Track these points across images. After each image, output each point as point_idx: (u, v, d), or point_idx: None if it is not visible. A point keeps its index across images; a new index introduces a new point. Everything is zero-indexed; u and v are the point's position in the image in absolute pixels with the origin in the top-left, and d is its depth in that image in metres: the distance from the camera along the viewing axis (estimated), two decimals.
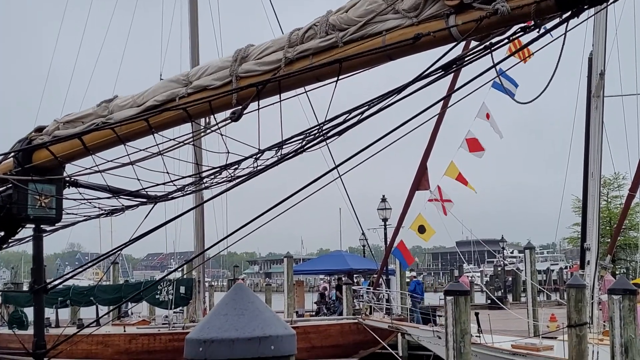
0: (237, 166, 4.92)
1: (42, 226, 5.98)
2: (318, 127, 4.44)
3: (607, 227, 38.58)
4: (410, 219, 22.88)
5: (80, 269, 8.04)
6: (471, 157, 21.14)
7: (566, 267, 74.14)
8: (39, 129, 5.93)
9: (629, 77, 23.32)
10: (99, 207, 5.91)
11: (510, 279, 56.97)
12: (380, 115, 4.17)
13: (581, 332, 14.23)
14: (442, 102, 4.56)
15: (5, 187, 5.78)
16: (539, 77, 5.28)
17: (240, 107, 4.38)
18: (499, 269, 61.85)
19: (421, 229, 22.62)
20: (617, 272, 32.21)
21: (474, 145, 21.05)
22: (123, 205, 5.89)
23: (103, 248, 45.48)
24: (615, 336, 12.40)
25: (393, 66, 4.36)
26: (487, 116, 20.08)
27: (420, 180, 22.39)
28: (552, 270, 73.86)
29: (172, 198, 5.64)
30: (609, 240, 28.32)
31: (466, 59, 3.85)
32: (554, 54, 3.94)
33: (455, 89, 4.37)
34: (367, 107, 4.13)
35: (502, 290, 53.37)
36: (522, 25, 3.63)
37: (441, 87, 4.56)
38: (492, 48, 3.71)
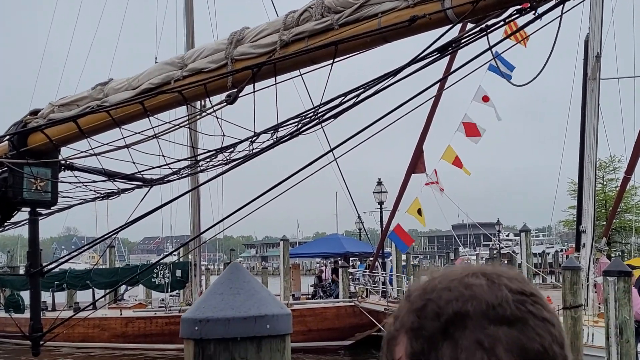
0: (232, 149, 4.91)
1: (37, 209, 5.97)
2: (314, 110, 4.43)
3: (603, 210, 38.66)
4: (406, 202, 22.96)
5: (76, 253, 8.08)
6: (468, 140, 21.16)
7: (562, 250, 74.33)
8: (34, 112, 5.89)
9: (626, 59, 23.33)
10: (94, 191, 5.90)
11: (506, 261, 57.14)
12: (376, 98, 4.15)
13: (576, 314, 14.26)
14: (438, 84, 4.56)
15: (0, 171, 5.76)
16: (536, 59, 5.27)
17: (236, 90, 4.37)
18: (495, 252, 62.13)
19: (419, 212, 22.75)
20: (612, 255, 32.36)
21: (471, 129, 21.04)
22: (119, 188, 5.88)
23: (99, 232, 45.59)
24: (610, 318, 12.45)
25: (389, 49, 4.34)
26: (487, 99, 20.04)
27: (417, 164, 22.42)
28: (548, 253, 74.14)
29: (168, 181, 5.63)
30: (605, 223, 28.44)
31: (462, 41, 3.84)
32: (551, 36, 3.93)
33: (451, 71, 4.36)
34: (362, 89, 4.12)
35: None
36: (518, 7, 3.62)
37: (437, 70, 4.55)
38: (488, 30, 3.69)
